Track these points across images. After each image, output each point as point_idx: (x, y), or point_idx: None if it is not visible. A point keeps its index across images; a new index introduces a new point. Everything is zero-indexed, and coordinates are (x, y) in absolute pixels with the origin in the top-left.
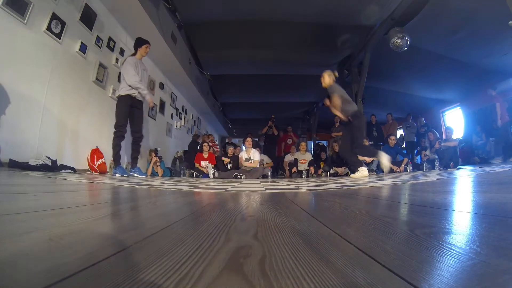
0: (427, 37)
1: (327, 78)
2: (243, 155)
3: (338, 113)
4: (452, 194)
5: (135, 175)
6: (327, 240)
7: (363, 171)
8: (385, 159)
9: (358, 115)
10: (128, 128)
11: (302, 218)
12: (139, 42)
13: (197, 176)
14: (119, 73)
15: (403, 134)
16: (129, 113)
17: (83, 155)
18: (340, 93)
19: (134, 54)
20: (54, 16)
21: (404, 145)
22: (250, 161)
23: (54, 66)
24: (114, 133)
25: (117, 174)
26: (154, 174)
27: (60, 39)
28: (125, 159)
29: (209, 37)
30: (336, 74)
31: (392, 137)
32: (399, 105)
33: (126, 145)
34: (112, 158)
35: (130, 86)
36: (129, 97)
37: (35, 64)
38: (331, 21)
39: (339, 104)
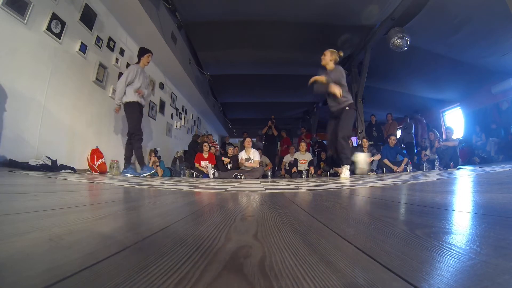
0: (427, 37)
1: (329, 56)
2: (242, 155)
3: (336, 91)
4: (452, 194)
5: (128, 174)
6: (327, 240)
7: (345, 171)
8: (362, 162)
9: (353, 107)
10: (126, 128)
11: (302, 218)
12: (142, 52)
13: (197, 176)
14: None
15: (403, 137)
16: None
17: (83, 155)
18: (341, 80)
19: (137, 63)
20: (54, 16)
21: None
22: (250, 161)
23: (54, 66)
24: (134, 137)
25: (145, 174)
26: (153, 174)
27: (60, 39)
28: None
29: (209, 37)
30: (341, 53)
31: (393, 137)
32: (399, 105)
33: (122, 145)
34: (135, 160)
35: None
36: (137, 103)
37: (35, 64)
38: (331, 21)
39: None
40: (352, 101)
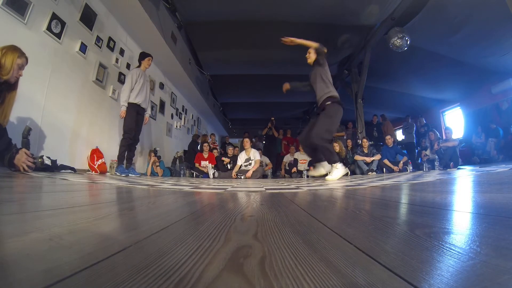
0: (427, 37)
1: (313, 54)
2: (242, 156)
3: (301, 41)
4: (452, 194)
5: (130, 174)
6: (327, 240)
7: (334, 171)
8: (337, 172)
9: (336, 103)
10: None
11: (302, 218)
12: (143, 56)
13: (197, 176)
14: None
15: (403, 137)
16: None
17: (83, 155)
18: (323, 72)
19: (139, 66)
20: (54, 16)
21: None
22: (250, 161)
23: (54, 66)
24: (123, 135)
25: (117, 173)
26: (153, 174)
27: (60, 39)
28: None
29: (209, 37)
30: (325, 50)
31: (388, 137)
32: (399, 105)
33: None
34: (116, 158)
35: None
36: (136, 105)
37: (35, 64)
38: (331, 21)
39: (314, 58)
40: (333, 94)
